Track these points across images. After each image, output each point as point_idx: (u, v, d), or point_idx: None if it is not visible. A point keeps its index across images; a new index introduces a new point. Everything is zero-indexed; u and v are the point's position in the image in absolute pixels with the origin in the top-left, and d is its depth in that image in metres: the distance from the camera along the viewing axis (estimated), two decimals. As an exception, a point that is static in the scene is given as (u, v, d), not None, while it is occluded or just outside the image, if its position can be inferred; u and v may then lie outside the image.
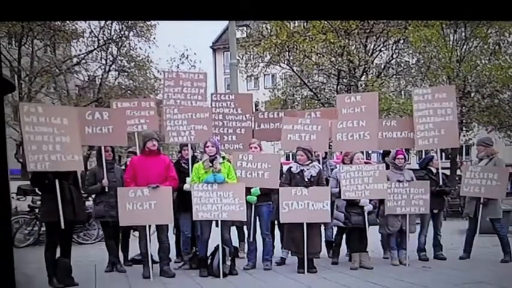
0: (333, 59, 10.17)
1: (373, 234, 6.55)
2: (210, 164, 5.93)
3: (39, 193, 5.84)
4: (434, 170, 6.84)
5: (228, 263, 6.04)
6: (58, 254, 5.69)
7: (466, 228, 6.74)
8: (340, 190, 6.29)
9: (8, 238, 4.23)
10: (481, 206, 6.54)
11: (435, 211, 6.67)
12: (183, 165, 6.27)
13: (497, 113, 13.25)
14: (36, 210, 6.52)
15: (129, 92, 8.05)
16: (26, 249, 6.57)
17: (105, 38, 7.96)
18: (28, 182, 6.21)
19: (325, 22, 8.07)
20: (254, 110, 7.32)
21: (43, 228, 6.27)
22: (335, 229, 6.56)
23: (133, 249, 6.42)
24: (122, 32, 8.04)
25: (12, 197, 5.71)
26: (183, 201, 6.01)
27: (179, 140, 6.29)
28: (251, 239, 6.35)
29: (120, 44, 7.95)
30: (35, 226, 7.10)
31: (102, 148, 6.18)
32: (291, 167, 6.32)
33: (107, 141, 6.08)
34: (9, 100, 7.87)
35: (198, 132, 6.29)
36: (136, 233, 6.18)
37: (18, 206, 7.18)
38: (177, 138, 6.28)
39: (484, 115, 13.00)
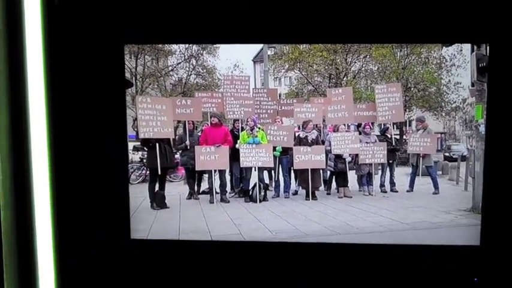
0: (326, 67, 10.24)
1: (352, 176, 7.03)
2: (251, 132, 6.73)
3: (146, 150, 6.25)
4: (389, 136, 7.37)
5: (262, 193, 6.65)
6: (157, 188, 6.37)
7: (410, 172, 7.07)
8: (331, 148, 6.81)
9: (126, 178, 4.58)
10: (421, 158, 6.91)
11: (390, 161, 7.07)
12: (235, 132, 6.86)
13: (427, 101, 13.26)
14: (144, 161, 6.82)
15: (202, 87, 8.06)
16: (137, 185, 6.86)
17: (188, 55, 7.95)
18: (139, 143, 6.55)
19: (322, 45, 8.30)
20: (278, 98, 7.61)
21: (148, 172, 6.61)
22: (328, 172, 6.84)
23: (204, 185, 6.79)
24: (199, 51, 8.06)
25: (129, 152, 5.98)
26: (235, 155, 6.56)
27: (234, 116, 6.83)
28: (276, 179, 7.01)
29: (197, 58, 7.96)
30: (143, 170, 7.38)
31: (186, 121, 6.57)
32: (299, 134, 7.06)
33: (189, 117, 6.59)
34: (129, 92, 8.04)
35: (245, 112, 6.84)
36: (206, 174, 6.54)
37: (133, 157, 7.40)
38: (232, 115, 6.76)
39: (419, 102, 13.00)
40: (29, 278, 3.33)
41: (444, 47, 7.25)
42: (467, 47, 5.74)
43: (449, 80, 7.86)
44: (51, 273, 3.43)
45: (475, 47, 5.21)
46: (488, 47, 4.35)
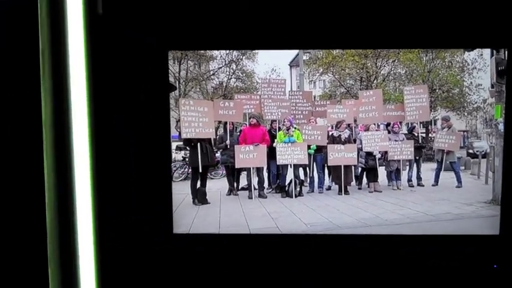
0: (357, 71, 10.21)
1: (381, 172, 6.95)
2: (287, 132, 6.78)
3: (188, 149, 6.26)
4: (416, 134, 7.28)
5: (298, 189, 6.66)
6: (198, 185, 6.34)
7: (435, 168, 6.99)
8: (362, 146, 6.68)
9: (169, 176, 4.59)
10: (445, 154, 6.82)
11: (417, 158, 7.00)
12: (272, 132, 6.92)
13: (451, 101, 13.15)
14: (186, 160, 6.84)
15: (242, 90, 8.07)
16: (179, 182, 6.89)
17: (228, 60, 7.98)
18: (181, 143, 6.59)
19: (353, 50, 8.24)
20: (313, 100, 7.60)
21: (190, 170, 6.63)
22: (360, 169, 6.80)
23: (243, 181, 6.73)
24: (239, 56, 8.07)
25: (172, 151, 5.98)
26: (272, 153, 6.61)
27: (271, 117, 6.85)
28: (311, 175, 7.02)
29: (237, 63, 7.98)
30: (185, 168, 7.41)
31: (228, 122, 6.55)
32: (333, 133, 7.08)
33: (231, 118, 6.58)
34: (173, 95, 8.09)
35: (282, 113, 6.80)
36: (245, 172, 6.53)
37: (176, 156, 7.43)
38: (270, 116, 6.75)
39: (443, 102, 12.88)
40: (70, 274, 3.33)
41: (466, 52, 7.24)
42: (487, 51, 5.79)
43: (471, 82, 7.83)
44: (91, 269, 3.41)
45: (495, 52, 5.25)
46: (506, 52, 4.38)
